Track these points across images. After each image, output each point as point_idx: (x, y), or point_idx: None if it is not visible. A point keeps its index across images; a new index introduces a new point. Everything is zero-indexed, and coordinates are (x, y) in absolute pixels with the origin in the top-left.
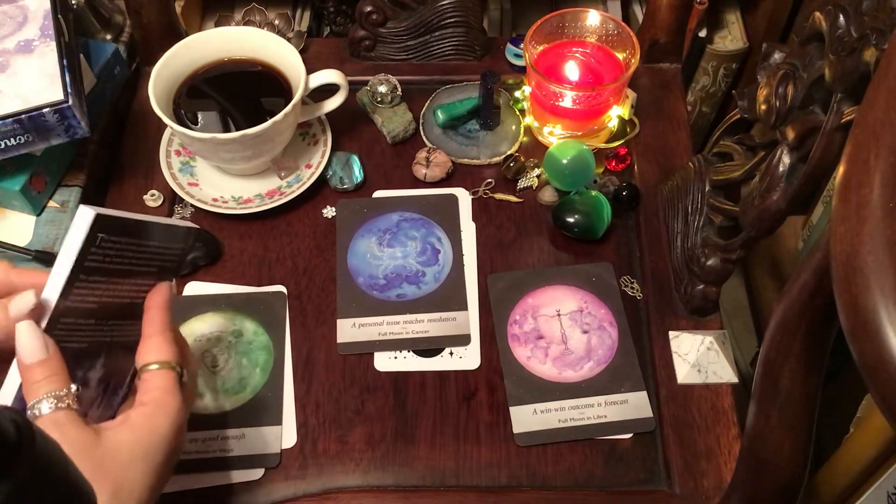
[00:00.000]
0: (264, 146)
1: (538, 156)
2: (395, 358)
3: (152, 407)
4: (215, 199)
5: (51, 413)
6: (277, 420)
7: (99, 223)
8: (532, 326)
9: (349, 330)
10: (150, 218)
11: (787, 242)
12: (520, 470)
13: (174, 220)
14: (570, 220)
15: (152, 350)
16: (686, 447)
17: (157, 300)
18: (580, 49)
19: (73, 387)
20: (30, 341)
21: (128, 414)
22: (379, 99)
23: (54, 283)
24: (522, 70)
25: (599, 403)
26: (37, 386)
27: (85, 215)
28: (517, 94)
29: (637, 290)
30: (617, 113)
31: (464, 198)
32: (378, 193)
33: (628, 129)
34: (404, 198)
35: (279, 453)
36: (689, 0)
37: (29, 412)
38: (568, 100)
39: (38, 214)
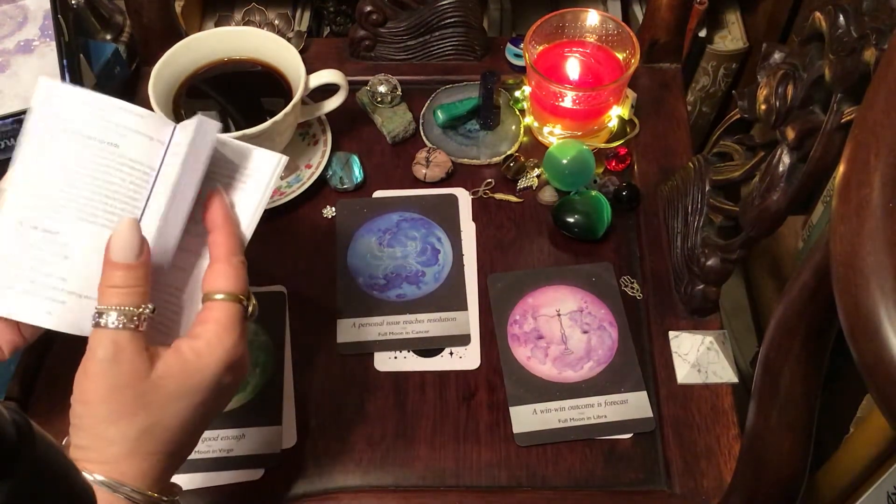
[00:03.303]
0: (264, 146)
1: (538, 156)
2: (395, 358)
3: (205, 342)
4: None
5: (115, 329)
6: (277, 420)
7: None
8: (532, 326)
9: (349, 330)
10: None
11: (787, 242)
12: (520, 470)
13: None
14: (570, 220)
15: (219, 277)
16: (686, 447)
17: (218, 217)
18: (580, 49)
19: (149, 307)
20: (123, 238)
21: (179, 344)
22: (379, 99)
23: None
24: (522, 70)
25: (599, 403)
26: (112, 292)
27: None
28: (517, 94)
29: (637, 290)
30: (617, 113)
31: (464, 198)
32: (378, 193)
33: (628, 129)
34: (404, 198)
35: (279, 453)
36: (689, 0)
37: (95, 317)
38: (568, 100)
39: None
